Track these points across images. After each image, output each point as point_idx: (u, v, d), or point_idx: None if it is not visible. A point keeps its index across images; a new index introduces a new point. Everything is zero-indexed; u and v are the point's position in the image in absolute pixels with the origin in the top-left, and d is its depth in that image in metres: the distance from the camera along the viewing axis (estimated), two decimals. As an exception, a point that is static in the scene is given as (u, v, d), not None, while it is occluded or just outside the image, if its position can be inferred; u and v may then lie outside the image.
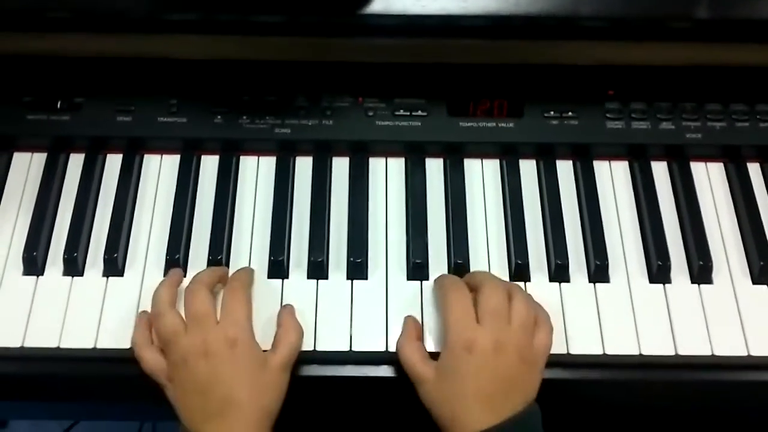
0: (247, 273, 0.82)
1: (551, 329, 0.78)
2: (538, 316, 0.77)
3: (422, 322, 0.81)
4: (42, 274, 0.84)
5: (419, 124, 0.91)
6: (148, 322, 0.78)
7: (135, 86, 0.92)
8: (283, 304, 0.82)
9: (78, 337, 0.80)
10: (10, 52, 0.91)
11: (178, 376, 0.73)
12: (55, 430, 1.66)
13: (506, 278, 0.84)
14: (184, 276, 0.83)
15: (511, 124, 0.91)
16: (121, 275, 0.84)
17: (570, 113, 0.92)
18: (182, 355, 0.73)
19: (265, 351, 0.76)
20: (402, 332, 0.79)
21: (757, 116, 0.92)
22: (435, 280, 0.83)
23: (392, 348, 0.79)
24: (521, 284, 0.83)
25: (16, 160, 0.91)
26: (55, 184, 0.89)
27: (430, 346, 0.79)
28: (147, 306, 0.80)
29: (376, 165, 0.92)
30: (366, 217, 0.88)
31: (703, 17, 0.86)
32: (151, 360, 0.75)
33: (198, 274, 0.81)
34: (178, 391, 0.73)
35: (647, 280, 0.85)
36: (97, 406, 0.88)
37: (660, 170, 0.92)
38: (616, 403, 0.83)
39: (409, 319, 0.81)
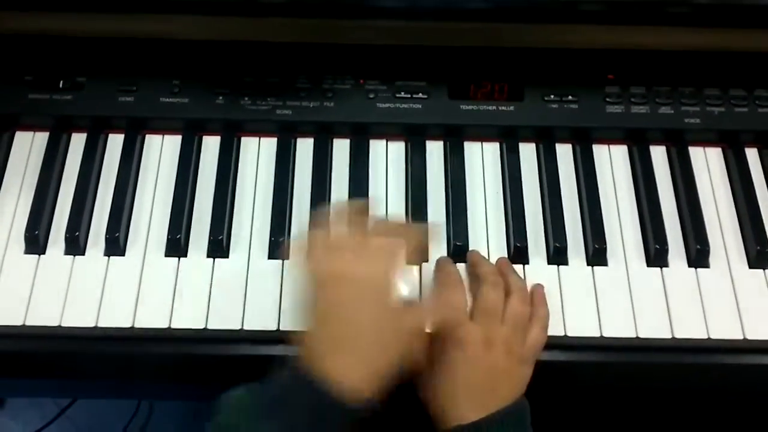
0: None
1: (546, 326, 0.78)
2: (535, 313, 0.78)
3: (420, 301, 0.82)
4: (44, 253, 0.84)
5: (420, 106, 0.91)
6: None
7: (137, 66, 0.92)
8: (284, 283, 0.82)
9: (79, 316, 0.80)
10: (13, 30, 0.91)
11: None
12: (52, 409, 1.66)
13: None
14: (185, 256, 0.84)
15: (511, 108, 0.92)
16: (123, 255, 0.84)
17: (570, 97, 0.92)
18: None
19: None
20: None
21: (756, 102, 0.92)
22: (436, 263, 0.83)
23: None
24: (519, 267, 0.84)
25: (18, 140, 0.91)
26: (56, 164, 0.89)
27: None
28: (145, 285, 0.82)
29: (376, 147, 0.92)
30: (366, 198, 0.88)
31: (703, 2, 0.86)
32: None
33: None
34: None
35: (645, 264, 0.85)
36: (96, 384, 0.89)
37: (659, 154, 0.93)
38: (612, 385, 0.83)
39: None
